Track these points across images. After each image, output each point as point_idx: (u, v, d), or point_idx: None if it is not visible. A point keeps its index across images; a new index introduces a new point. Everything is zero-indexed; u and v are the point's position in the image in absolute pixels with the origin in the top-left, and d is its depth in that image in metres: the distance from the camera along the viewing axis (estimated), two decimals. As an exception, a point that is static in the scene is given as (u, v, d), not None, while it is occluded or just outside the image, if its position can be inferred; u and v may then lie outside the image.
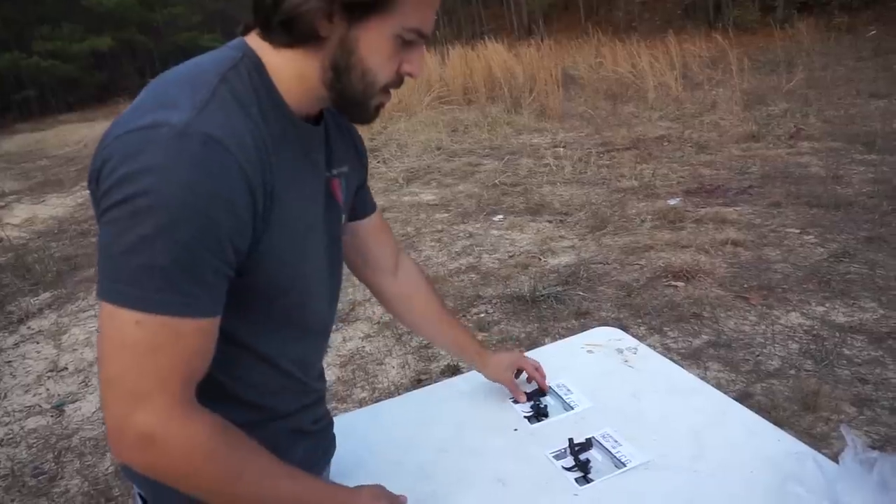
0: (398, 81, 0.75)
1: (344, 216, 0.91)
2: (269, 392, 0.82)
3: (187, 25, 28.95)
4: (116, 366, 0.64)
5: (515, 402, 1.24)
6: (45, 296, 4.36)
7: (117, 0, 25.20)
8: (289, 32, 0.69)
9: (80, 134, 13.63)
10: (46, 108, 23.95)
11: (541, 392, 1.25)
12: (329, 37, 0.69)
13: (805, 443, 1.08)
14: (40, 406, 2.99)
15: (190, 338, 0.65)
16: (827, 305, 2.87)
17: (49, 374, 3.28)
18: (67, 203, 7.45)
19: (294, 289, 0.79)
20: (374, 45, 0.70)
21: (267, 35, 0.71)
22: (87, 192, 0.70)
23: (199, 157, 0.62)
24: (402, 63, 0.74)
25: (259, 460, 0.71)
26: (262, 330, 0.78)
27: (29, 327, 3.90)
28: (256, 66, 0.71)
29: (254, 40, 0.73)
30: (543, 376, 1.25)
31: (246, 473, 0.70)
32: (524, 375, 1.27)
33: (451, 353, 1.28)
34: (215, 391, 0.73)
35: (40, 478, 2.46)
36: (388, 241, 1.09)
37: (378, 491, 0.88)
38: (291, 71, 0.72)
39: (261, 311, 0.76)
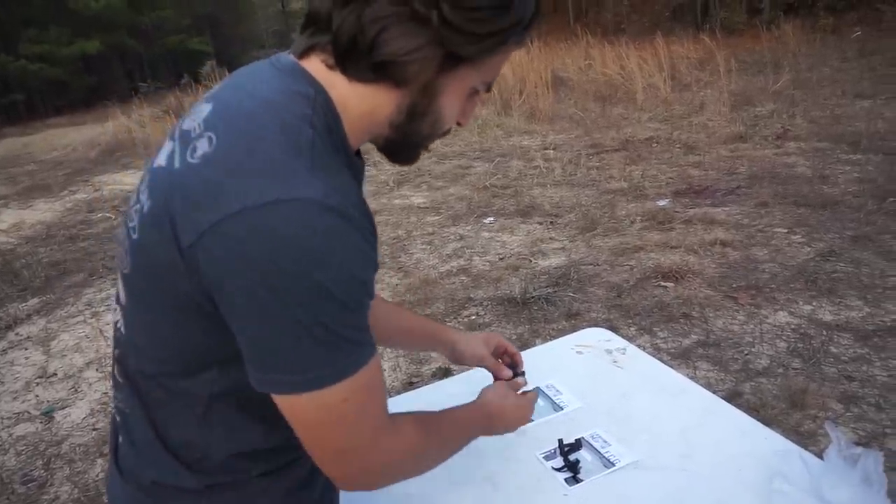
0: (450, 129, 0.75)
1: None
2: None
3: (176, 28, 28.89)
4: (339, 441, 0.69)
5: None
6: (34, 301, 4.33)
7: (105, 3, 25.08)
8: (379, 72, 0.65)
9: (69, 138, 13.52)
10: (34, 112, 23.76)
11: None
12: (415, 80, 0.66)
13: (793, 440, 1.09)
14: (29, 413, 2.96)
15: (376, 373, 0.69)
16: (814, 304, 2.90)
17: (38, 380, 3.26)
18: (55, 208, 7.40)
19: None
20: (455, 93, 0.69)
21: (345, 68, 0.66)
22: (146, 241, 0.67)
23: (341, 230, 0.61)
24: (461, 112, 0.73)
25: (445, 424, 0.86)
26: None
27: (17, 333, 3.87)
28: (328, 103, 0.67)
29: (316, 66, 0.67)
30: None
31: (444, 439, 0.85)
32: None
33: (422, 345, 1.25)
34: (285, 447, 0.76)
35: (30, 485, 2.44)
36: None
37: (502, 391, 1.02)
38: (362, 107, 0.68)
39: None
